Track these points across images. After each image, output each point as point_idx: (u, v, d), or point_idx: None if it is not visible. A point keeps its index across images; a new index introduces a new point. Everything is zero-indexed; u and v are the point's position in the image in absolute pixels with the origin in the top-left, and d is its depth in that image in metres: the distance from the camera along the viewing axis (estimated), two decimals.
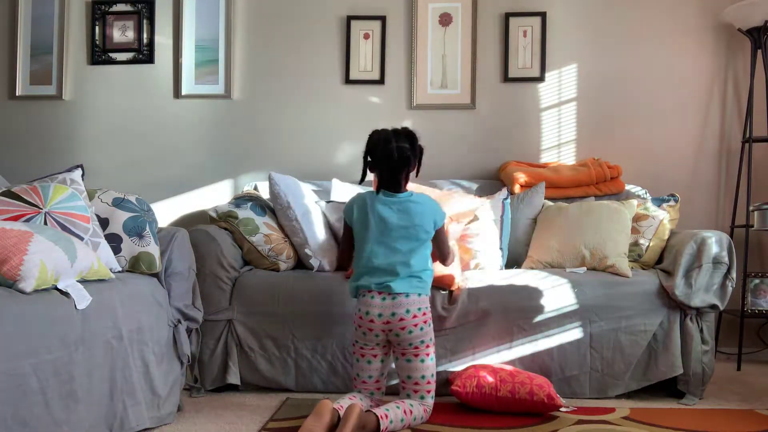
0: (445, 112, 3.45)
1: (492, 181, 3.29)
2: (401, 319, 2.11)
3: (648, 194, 3.14)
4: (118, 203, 2.15)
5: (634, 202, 2.88)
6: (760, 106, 3.23)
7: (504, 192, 3.01)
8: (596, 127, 3.41)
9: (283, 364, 2.53)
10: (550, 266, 2.74)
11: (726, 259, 2.47)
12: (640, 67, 3.40)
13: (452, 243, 2.46)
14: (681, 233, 2.69)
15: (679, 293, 2.44)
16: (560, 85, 3.42)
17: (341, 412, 1.93)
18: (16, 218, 1.79)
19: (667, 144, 3.37)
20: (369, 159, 2.22)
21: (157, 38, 3.53)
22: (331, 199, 3.03)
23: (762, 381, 2.80)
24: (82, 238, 1.88)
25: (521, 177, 3.12)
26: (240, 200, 2.85)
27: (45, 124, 3.56)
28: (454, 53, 3.44)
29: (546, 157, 3.42)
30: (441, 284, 2.48)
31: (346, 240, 2.35)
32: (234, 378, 2.49)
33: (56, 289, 1.64)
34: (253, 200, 2.85)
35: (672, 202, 2.95)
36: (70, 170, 2.11)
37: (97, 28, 3.53)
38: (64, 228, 1.85)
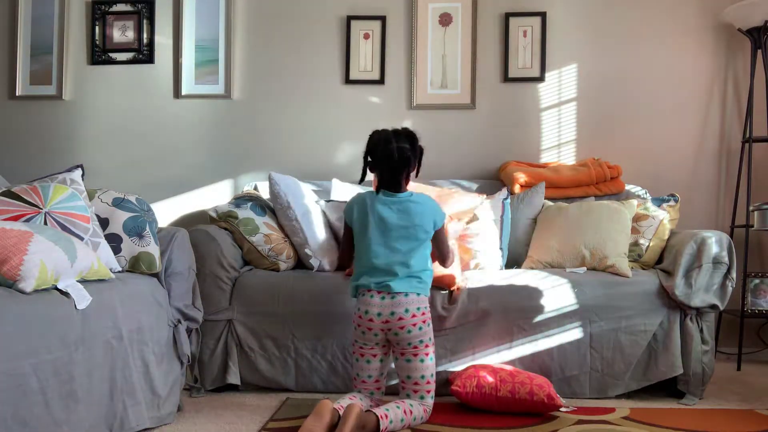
0: (445, 112, 3.45)
1: (492, 181, 3.29)
2: (400, 319, 2.11)
3: (648, 194, 3.14)
4: (118, 203, 2.15)
5: (634, 202, 2.88)
6: (760, 106, 3.23)
7: (504, 192, 3.00)
8: (596, 127, 3.41)
9: (283, 364, 2.53)
10: (550, 266, 2.74)
11: (726, 259, 2.47)
12: (640, 67, 3.40)
13: (452, 242, 2.46)
14: (681, 233, 2.69)
15: (679, 293, 2.44)
16: (560, 85, 3.42)
17: (341, 412, 1.93)
18: (16, 218, 1.79)
19: (667, 144, 3.37)
20: (369, 159, 2.22)
21: (157, 38, 3.52)
22: (331, 198, 3.03)
23: (762, 381, 2.80)
24: (82, 238, 1.88)
25: (521, 177, 3.12)
26: (240, 200, 2.85)
27: (45, 124, 3.56)
28: (454, 53, 3.44)
29: (546, 157, 3.42)
30: (441, 284, 2.48)
31: (347, 240, 2.35)
32: (234, 378, 2.49)
33: (56, 289, 1.64)
34: (253, 200, 2.85)
35: (672, 202, 2.95)
36: (70, 170, 2.11)
37: (97, 28, 3.53)
38: (64, 228, 1.85)
